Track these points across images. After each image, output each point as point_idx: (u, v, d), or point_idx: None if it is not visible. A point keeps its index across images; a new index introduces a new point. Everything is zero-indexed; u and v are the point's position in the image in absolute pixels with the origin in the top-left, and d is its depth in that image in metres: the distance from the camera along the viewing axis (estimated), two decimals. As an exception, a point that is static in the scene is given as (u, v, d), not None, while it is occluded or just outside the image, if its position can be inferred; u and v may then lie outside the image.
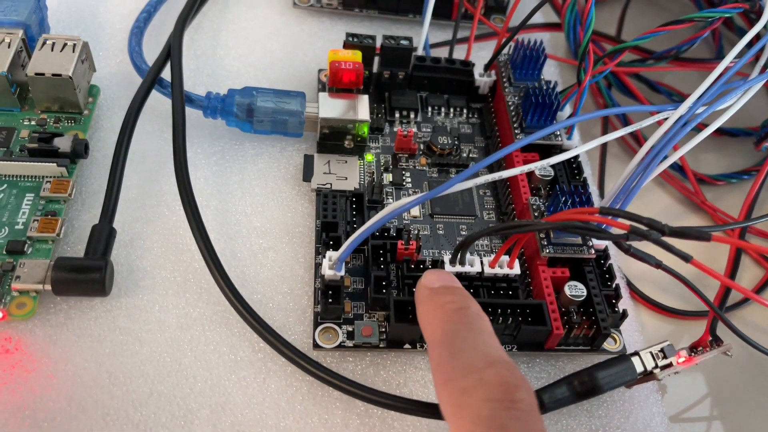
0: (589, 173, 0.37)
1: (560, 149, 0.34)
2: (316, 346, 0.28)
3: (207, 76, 0.38)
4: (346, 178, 0.33)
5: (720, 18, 0.36)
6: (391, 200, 0.33)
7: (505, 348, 0.29)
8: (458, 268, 0.29)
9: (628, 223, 0.24)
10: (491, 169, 0.34)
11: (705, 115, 0.29)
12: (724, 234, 0.35)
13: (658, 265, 0.27)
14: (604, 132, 0.41)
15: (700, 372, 0.32)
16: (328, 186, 0.33)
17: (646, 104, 0.41)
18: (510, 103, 0.35)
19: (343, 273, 0.29)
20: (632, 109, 0.33)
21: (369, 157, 0.35)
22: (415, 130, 0.36)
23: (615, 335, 0.30)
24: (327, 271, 0.28)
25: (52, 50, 0.32)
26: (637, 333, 0.32)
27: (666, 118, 0.30)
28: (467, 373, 0.21)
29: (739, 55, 0.31)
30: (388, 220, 0.27)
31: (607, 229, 0.26)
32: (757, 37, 0.32)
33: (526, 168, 0.29)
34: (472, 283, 0.29)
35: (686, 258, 0.24)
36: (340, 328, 0.29)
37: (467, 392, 0.20)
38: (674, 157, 0.30)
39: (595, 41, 0.44)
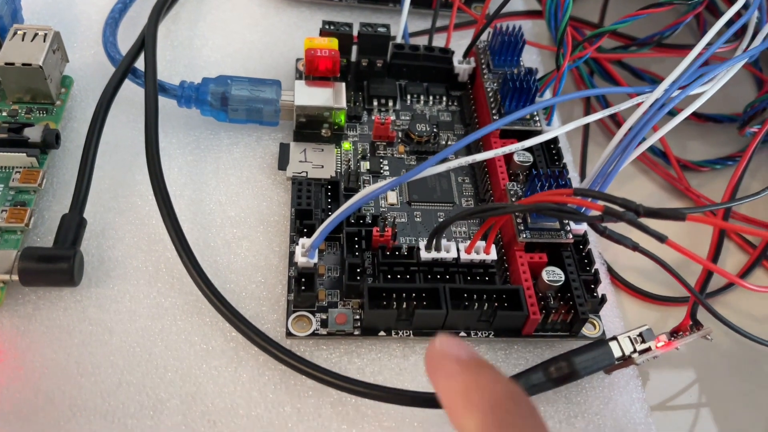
0: (570, 160, 0.37)
1: (539, 135, 0.34)
2: (289, 334, 0.28)
3: (184, 66, 0.38)
4: (323, 167, 0.33)
5: (702, 2, 0.36)
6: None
7: (481, 335, 0.29)
8: (434, 254, 0.28)
9: (602, 204, 0.23)
10: (469, 154, 0.34)
11: (681, 98, 0.29)
12: (704, 216, 0.35)
13: (635, 247, 0.26)
14: (587, 120, 0.41)
15: (682, 359, 0.32)
16: (304, 174, 0.32)
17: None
18: (489, 90, 0.35)
19: (316, 260, 0.28)
20: (609, 90, 0.33)
21: (346, 145, 0.34)
22: (393, 117, 0.36)
23: (594, 321, 0.30)
24: (300, 259, 0.28)
25: (23, 40, 0.32)
26: (617, 319, 0.31)
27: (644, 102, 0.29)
28: None
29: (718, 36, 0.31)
30: (361, 206, 0.27)
31: (585, 212, 0.26)
32: (738, 15, 0.32)
33: (500, 151, 0.28)
34: (448, 269, 0.29)
35: (661, 238, 0.23)
36: (314, 316, 0.28)
37: None
38: (651, 140, 0.29)
39: (578, 29, 0.44)
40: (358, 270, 0.28)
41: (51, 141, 0.31)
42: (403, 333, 0.28)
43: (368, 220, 0.30)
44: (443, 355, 0.20)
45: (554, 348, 0.29)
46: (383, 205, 0.32)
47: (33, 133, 0.30)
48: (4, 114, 0.32)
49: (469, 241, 0.29)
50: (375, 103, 0.36)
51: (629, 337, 0.28)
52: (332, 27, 0.36)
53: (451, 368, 0.20)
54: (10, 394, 0.25)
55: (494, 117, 0.34)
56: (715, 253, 0.33)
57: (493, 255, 0.29)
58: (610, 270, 0.34)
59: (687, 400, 0.31)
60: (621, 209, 0.23)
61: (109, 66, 0.35)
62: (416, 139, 0.35)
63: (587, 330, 0.29)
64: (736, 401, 0.31)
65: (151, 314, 0.28)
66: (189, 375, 0.27)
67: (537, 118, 0.34)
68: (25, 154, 0.30)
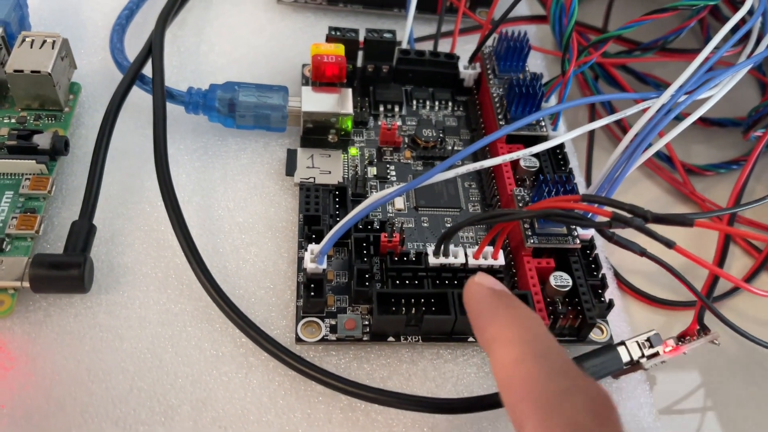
0: (576, 165, 0.37)
1: (545, 140, 0.34)
2: (298, 340, 0.28)
3: (190, 72, 0.38)
4: (330, 172, 0.33)
5: (706, 7, 0.36)
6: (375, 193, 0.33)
7: (490, 340, 0.29)
8: (442, 260, 0.28)
9: (610, 210, 0.23)
10: (476, 160, 0.34)
11: (687, 103, 0.29)
12: (710, 221, 0.35)
13: (642, 252, 0.26)
14: (592, 124, 0.41)
15: (689, 363, 0.32)
16: (312, 180, 0.32)
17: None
18: (494, 95, 0.35)
19: (325, 266, 0.28)
20: (615, 96, 0.33)
21: (353, 151, 0.35)
22: (399, 123, 0.36)
23: (602, 326, 0.30)
24: (309, 265, 0.28)
25: (32, 47, 0.32)
26: (624, 324, 0.31)
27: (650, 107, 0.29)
28: (562, 375, 0.20)
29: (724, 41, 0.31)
30: (369, 212, 0.27)
31: (592, 218, 0.26)
32: (743, 21, 0.32)
33: (507, 157, 0.29)
34: (456, 274, 0.29)
35: (669, 244, 0.23)
36: (323, 321, 0.28)
37: (564, 394, 0.19)
38: (658, 145, 0.29)
39: (582, 34, 0.44)
40: (367, 276, 0.28)
41: (60, 148, 0.31)
42: (411, 338, 0.28)
43: (376, 225, 0.30)
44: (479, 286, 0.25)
45: (562, 353, 0.30)
46: (391, 211, 0.33)
47: (42, 140, 0.31)
48: (13, 121, 0.32)
49: (476, 247, 0.29)
50: (381, 108, 0.36)
51: (637, 342, 0.28)
52: (338, 33, 0.36)
53: (482, 293, 0.24)
54: (21, 401, 0.26)
55: (500, 122, 0.34)
56: (721, 258, 0.34)
57: (501, 260, 0.29)
58: (616, 274, 0.34)
59: (694, 404, 0.31)
60: (629, 215, 0.23)
61: (116, 72, 0.35)
62: (422, 144, 0.35)
63: (595, 335, 0.29)
64: (743, 405, 0.31)
65: (161, 320, 0.28)
66: (199, 381, 0.27)
67: (543, 124, 0.34)
68: (34, 161, 0.30)
